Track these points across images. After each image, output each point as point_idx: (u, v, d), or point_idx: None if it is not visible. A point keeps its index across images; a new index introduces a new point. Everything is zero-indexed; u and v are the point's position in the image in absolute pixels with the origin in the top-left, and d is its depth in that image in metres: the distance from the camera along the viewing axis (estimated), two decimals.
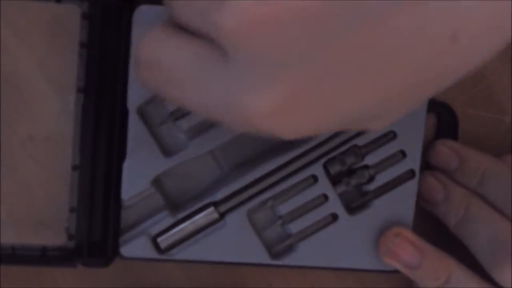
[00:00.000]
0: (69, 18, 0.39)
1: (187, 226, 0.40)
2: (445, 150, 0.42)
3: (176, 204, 0.40)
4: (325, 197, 0.41)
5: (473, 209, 0.39)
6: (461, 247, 0.40)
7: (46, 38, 0.39)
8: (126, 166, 0.39)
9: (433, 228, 0.42)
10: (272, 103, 0.26)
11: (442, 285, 0.38)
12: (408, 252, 0.39)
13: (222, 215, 0.40)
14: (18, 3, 0.38)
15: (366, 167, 0.41)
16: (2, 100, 0.38)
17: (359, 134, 0.40)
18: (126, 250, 0.39)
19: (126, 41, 0.38)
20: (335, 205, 0.41)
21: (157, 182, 0.40)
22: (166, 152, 0.39)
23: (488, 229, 0.38)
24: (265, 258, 0.40)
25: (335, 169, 0.41)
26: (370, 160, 0.41)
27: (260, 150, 0.41)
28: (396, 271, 0.40)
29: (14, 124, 0.39)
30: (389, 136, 0.41)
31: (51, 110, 0.39)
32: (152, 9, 0.38)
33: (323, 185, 0.40)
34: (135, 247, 0.39)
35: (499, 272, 0.37)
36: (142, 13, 0.38)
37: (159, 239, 0.40)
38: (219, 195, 0.40)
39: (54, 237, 0.39)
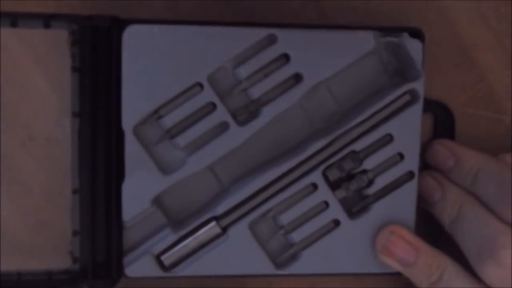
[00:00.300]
0: (60, 43, 0.39)
1: (190, 242, 0.40)
2: (442, 150, 0.42)
3: (178, 221, 0.41)
4: (326, 204, 0.41)
5: (465, 208, 0.39)
6: (458, 247, 0.40)
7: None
8: (126, 186, 0.39)
9: (431, 227, 0.42)
10: None
11: (435, 282, 0.39)
12: (403, 249, 0.39)
13: (224, 229, 0.40)
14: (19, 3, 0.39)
15: (364, 171, 0.41)
16: (1, 100, 0.39)
17: (356, 139, 0.41)
18: (131, 270, 0.40)
19: (117, 61, 0.38)
20: (336, 211, 0.41)
21: (157, 201, 0.40)
22: (165, 170, 0.40)
23: (476, 228, 0.38)
24: (269, 269, 0.40)
25: (334, 175, 0.41)
26: (368, 164, 0.41)
27: (258, 162, 0.41)
28: (399, 273, 0.40)
29: (14, 124, 0.39)
30: (386, 139, 0.41)
31: (51, 110, 0.40)
32: (142, 28, 0.38)
33: (323, 192, 0.41)
34: (139, 266, 0.40)
35: (482, 268, 0.38)
36: (132, 32, 0.38)
37: (162, 257, 0.40)
38: (220, 209, 0.40)
39: (59, 261, 0.40)
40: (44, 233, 0.40)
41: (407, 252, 0.39)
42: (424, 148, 0.43)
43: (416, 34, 0.40)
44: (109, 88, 0.38)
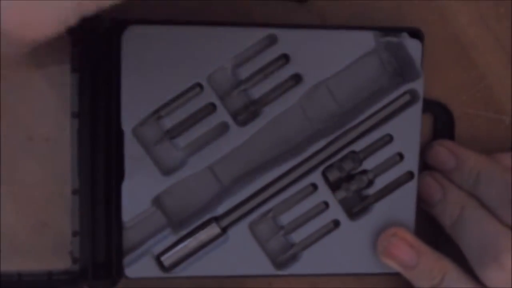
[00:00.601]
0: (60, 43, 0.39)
1: (190, 243, 0.40)
2: (442, 151, 0.42)
3: (178, 221, 0.41)
4: (326, 205, 0.41)
5: (466, 210, 0.39)
6: (457, 248, 0.40)
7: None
8: (125, 187, 0.39)
9: (432, 228, 0.42)
10: None
11: (436, 285, 0.39)
12: (405, 252, 0.39)
13: (224, 230, 0.40)
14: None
15: (364, 171, 0.41)
16: (1, 101, 0.39)
17: (356, 139, 0.41)
18: (131, 270, 0.40)
19: (116, 62, 0.38)
20: (336, 211, 0.41)
21: (157, 201, 0.40)
22: (164, 170, 0.40)
23: (478, 230, 0.38)
24: (269, 269, 0.41)
25: (334, 175, 0.41)
26: (368, 164, 0.41)
27: (258, 162, 0.41)
28: (399, 273, 0.40)
29: (14, 125, 0.39)
30: (386, 139, 0.41)
31: (51, 111, 0.40)
32: (142, 29, 0.38)
33: (323, 193, 0.41)
34: (139, 267, 0.40)
35: (484, 271, 0.38)
36: (132, 33, 0.38)
37: (162, 258, 0.40)
38: (220, 209, 0.40)
39: (59, 261, 0.40)
40: (44, 234, 0.40)
41: (409, 255, 0.39)
42: (424, 149, 0.43)
43: (416, 34, 0.40)
44: (109, 88, 0.38)
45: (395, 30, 0.40)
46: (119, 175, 0.39)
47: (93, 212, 0.39)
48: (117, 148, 0.39)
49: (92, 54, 0.38)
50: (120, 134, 0.39)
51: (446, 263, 0.39)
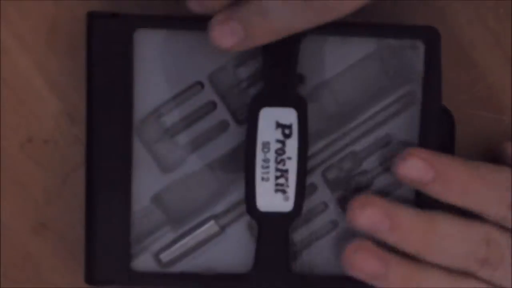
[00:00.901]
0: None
1: (188, 241, 0.40)
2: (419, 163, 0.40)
3: (177, 219, 0.41)
4: (325, 205, 0.41)
5: None
6: None
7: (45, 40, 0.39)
8: None
9: None
10: None
11: None
12: (371, 264, 0.38)
13: (222, 228, 0.40)
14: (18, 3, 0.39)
15: (364, 172, 0.41)
16: (1, 102, 0.39)
17: (356, 140, 0.41)
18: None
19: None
20: (335, 212, 0.41)
21: (156, 199, 0.40)
22: (164, 168, 0.40)
23: None
24: None
25: (333, 176, 0.41)
26: (367, 165, 0.41)
27: None
28: None
29: (14, 126, 0.39)
30: (386, 140, 0.41)
31: (50, 112, 0.40)
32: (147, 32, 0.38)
33: (323, 193, 0.41)
34: (138, 264, 0.40)
35: None
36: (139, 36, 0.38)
37: (161, 255, 0.40)
38: (219, 208, 0.40)
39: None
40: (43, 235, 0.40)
41: (376, 266, 0.38)
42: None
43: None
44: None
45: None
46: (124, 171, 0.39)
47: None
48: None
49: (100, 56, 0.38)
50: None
51: (420, 268, 0.38)
